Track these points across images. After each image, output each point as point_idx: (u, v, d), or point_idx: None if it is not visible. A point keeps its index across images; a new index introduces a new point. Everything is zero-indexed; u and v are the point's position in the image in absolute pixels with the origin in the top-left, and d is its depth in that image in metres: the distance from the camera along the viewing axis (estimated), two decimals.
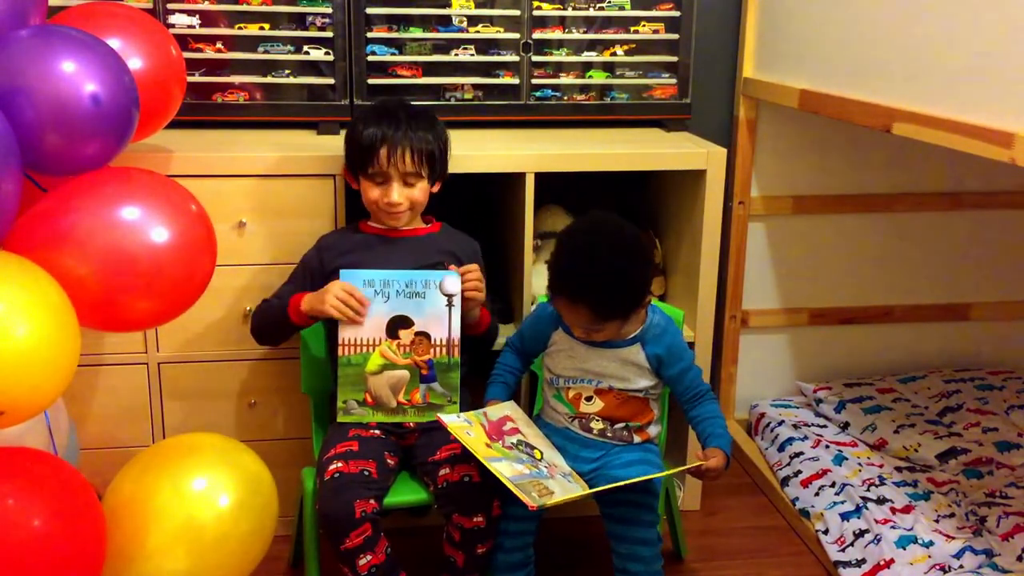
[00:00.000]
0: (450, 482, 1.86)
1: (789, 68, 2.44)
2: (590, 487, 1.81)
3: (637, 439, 1.94)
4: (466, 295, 1.96)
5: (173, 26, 2.23)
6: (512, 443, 1.82)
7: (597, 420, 1.93)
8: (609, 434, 1.93)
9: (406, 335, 1.94)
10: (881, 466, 2.46)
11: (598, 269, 1.77)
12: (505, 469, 1.71)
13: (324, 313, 1.91)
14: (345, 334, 1.92)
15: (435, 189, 2.05)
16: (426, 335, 1.94)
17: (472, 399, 2.07)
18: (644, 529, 1.87)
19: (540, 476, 1.74)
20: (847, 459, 2.48)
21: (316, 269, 2.01)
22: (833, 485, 2.37)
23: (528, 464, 1.77)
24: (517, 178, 2.19)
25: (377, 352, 1.93)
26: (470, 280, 1.96)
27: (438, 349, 1.95)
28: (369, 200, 2.00)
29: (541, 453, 1.84)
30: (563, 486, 1.75)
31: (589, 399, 1.93)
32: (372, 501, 1.78)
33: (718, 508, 2.50)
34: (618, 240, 1.81)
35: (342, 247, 2.02)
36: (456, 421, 1.80)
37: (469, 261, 2.05)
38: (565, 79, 2.45)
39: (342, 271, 1.92)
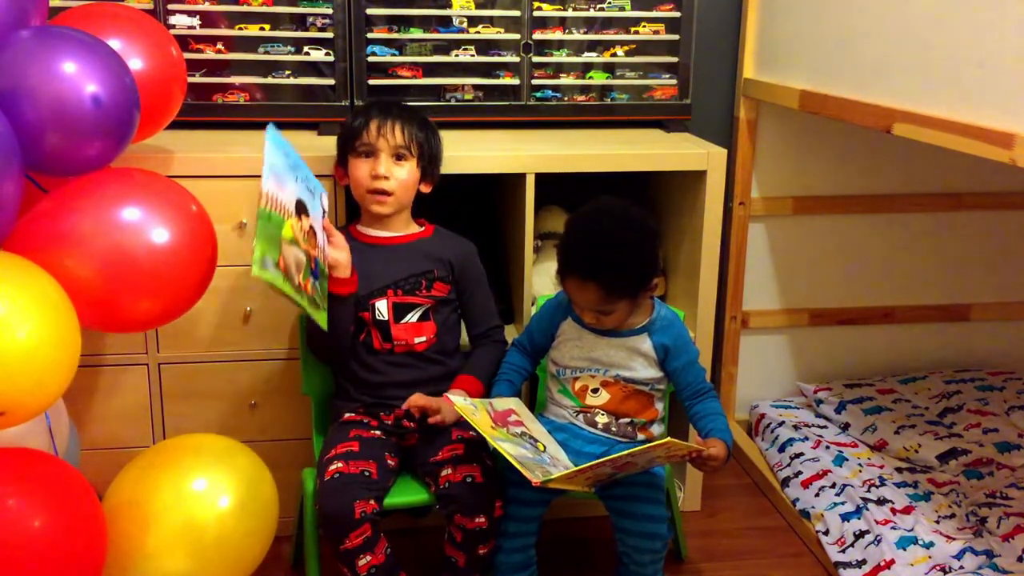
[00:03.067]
0: (452, 483, 1.86)
1: (789, 68, 2.44)
2: (593, 485, 1.82)
3: (641, 436, 1.94)
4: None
5: (173, 27, 2.23)
6: (516, 433, 1.82)
7: (602, 414, 1.93)
8: (613, 428, 1.93)
9: (305, 222, 1.85)
10: (881, 467, 2.46)
11: (606, 245, 1.79)
12: (510, 448, 1.72)
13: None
14: (268, 187, 1.75)
15: (425, 189, 2.04)
16: (314, 233, 1.87)
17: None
18: (653, 524, 1.87)
19: (542, 463, 1.74)
20: (847, 460, 2.48)
21: None
22: (833, 486, 2.37)
23: (531, 451, 1.77)
24: (517, 179, 2.19)
25: (287, 224, 1.80)
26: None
27: (319, 252, 1.88)
28: (357, 180, 1.98)
29: (544, 447, 1.84)
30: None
31: (595, 391, 1.94)
32: (372, 502, 1.78)
33: (718, 509, 2.50)
34: (625, 217, 1.84)
35: None
36: (462, 402, 1.80)
37: (463, 265, 2.04)
38: (565, 80, 2.45)
39: (269, 126, 1.85)
